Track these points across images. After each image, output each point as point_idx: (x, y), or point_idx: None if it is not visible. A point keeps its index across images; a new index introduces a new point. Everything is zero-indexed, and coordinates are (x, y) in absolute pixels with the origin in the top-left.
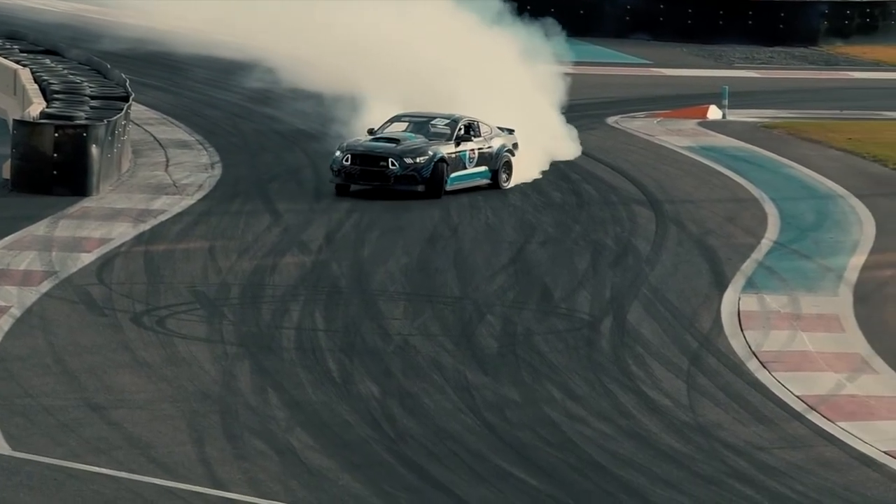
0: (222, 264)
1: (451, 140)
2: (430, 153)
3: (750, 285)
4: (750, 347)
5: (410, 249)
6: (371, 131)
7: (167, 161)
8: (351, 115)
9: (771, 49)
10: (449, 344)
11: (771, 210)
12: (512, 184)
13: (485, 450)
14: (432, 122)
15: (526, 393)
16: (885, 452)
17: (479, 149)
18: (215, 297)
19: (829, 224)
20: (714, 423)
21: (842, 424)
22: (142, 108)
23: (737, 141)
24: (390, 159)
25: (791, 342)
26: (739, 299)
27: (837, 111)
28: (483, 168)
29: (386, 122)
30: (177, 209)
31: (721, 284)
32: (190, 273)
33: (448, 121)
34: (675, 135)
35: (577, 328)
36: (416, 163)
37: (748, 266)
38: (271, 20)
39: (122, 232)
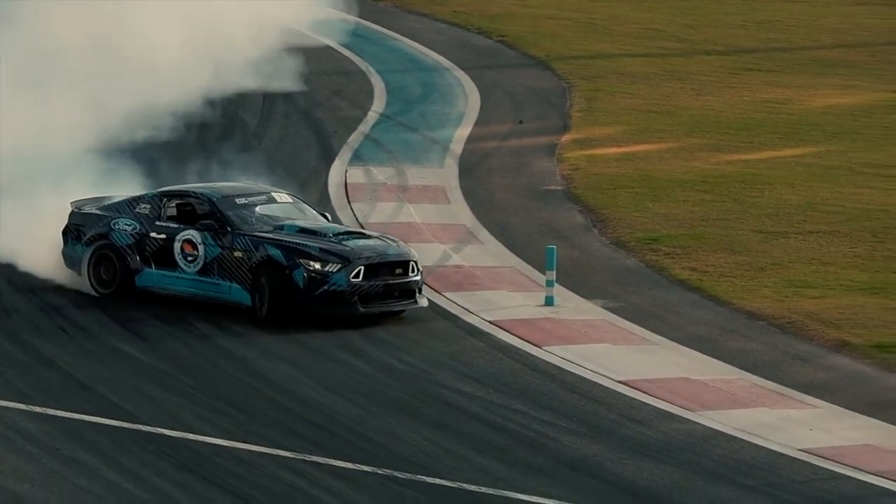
0: None
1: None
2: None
3: (357, 157)
4: (357, 220)
5: None
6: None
7: None
8: None
9: None
10: None
11: (377, 83)
12: None
13: None
14: (274, 197)
15: None
16: (490, 322)
17: None
18: None
19: (436, 96)
20: None
21: (448, 295)
22: None
23: (343, 14)
24: (411, 263)
25: (398, 214)
26: (346, 171)
27: None
28: None
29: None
30: None
31: (328, 157)
32: None
33: (286, 192)
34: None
35: None
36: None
37: (355, 139)
38: None
39: None
